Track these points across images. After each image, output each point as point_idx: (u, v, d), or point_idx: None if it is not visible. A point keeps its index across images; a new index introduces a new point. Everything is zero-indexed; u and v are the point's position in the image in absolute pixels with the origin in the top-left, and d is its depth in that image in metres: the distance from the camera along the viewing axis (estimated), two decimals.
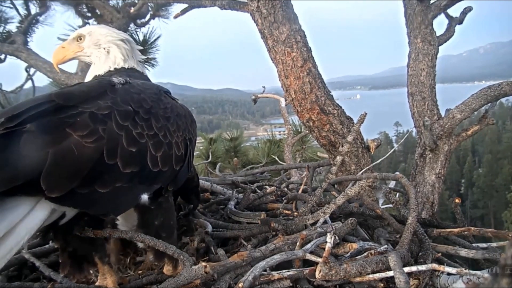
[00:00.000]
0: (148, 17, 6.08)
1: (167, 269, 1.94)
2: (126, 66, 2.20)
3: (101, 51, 2.19)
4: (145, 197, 1.60)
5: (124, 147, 1.49)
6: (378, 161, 3.90)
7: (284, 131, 7.48)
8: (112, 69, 2.17)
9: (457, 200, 2.67)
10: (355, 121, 3.48)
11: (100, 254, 1.80)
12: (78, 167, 1.36)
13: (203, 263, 1.65)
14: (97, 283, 1.92)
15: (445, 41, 3.55)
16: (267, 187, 3.39)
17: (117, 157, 1.46)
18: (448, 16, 3.57)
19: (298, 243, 1.99)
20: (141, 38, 6.15)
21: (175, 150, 1.73)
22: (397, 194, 3.37)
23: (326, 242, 1.91)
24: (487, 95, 3.00)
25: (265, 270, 1.78)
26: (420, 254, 2.11)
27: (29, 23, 5.80)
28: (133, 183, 1.54)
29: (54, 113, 1.42)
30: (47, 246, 2.34)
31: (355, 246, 2.04)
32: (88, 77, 2.21)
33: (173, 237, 1.89)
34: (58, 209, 1.42)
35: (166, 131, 1.70)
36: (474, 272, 1.73)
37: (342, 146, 2.57)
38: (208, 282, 1.71)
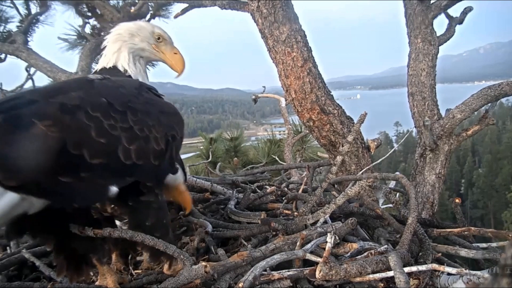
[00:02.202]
0: (148, 17, 6.07)
1: (166, 268, 1.94)
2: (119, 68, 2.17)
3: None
4: (114, 189, 1.56)
5: (92, 138, 1.48)
6: (378, 161, 3.90)
7: (284, 131, 7.48)
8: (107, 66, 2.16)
9: (457, 200, 2.67)
10: (355, 121, 3.48)
11: (98, 255, 1.80)
12: (40, 156, 1.35)
13: (203, 263, 1.65)
14: (97, 283, 1.92)
15: (445, 41, 3.54)
16: (267, 187, 3.39)
17: (84, 147, 1.45)
18: (448, 16, 3.57)
19: (298, 243, 1.99)
20: None
21: (154, 144, 1.69)
22: (397, 194, 3.37)
23: (326, 242, 1.91)
24: (487, 95, 3.00)
25: (265, 270, 1.78)
26: (420, 254, 2.12)
27: (29, 23, 5.79)
28: (101, 174, 1.52)
29: (25, 106, 1.44)
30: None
31: (355, 246, 2.04)
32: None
33: (168, 237, 1.86)
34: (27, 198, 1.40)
35: (143, 125, 1.67)
36: (474, 272, 1.74)
37: (342, 146, 2.57)
38: (208, 282, 1.71)
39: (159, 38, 2.19)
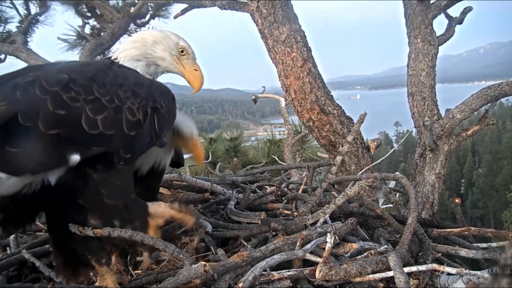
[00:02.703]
0: (148, 17, 6.07)
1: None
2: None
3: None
4: (75, 157, 1.57)
5: (48, 111, 1.52)
6: (378, 161, 3.90)
7: (284, 131, 7.48)
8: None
9: (457, 200, 2.67)
10: (355, 121, 3.48)
11: (97, 256, 1.80)
12: None
13: (203, 262, 1.65)
14: (96, 284, 1.92)
15: (445, 41, 3.54)
16: (267, 187, 3.39)
17: (38, 119, 1.49)
18: (448, 16, 3.57)
19: (298, 243, 1.99)
20: None
21: (127, 115, 1.70)
22: (397, 194, 3.37)
23: (326, 242, 1.91)
24: (487, 95, 3.00)
25: (265, 270, 1.78)
26: (420, 254, 2.12)
27: (29, 23, 5.79)
28: (60, 142, 1.54)
29: None
30: (47, 246, 2.34)
31: (355, 246, 2.04)
32: None
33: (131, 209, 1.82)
34: None
35: (114, 96, 1.69)
36: (474, 272, 1.74)
37: (342, 146, 2.56)
38: (208, 282, 1.71)
39: (182, 51, 2.14)
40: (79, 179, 1.67)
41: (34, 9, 5.96)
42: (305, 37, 3.25)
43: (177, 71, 2.18)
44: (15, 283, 2.04)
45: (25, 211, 1.74)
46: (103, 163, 1.68)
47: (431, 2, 3.43)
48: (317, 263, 1.77)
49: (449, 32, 3.58)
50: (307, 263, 1.93)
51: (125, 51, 2.07)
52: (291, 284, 1.82)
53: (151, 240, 1.67)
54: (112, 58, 2.07)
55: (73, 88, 1.62)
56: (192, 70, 2.17)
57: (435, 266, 1.85)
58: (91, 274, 2.02)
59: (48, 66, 1.77)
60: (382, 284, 1.80)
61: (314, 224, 2.26)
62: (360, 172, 3.34)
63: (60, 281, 1.93)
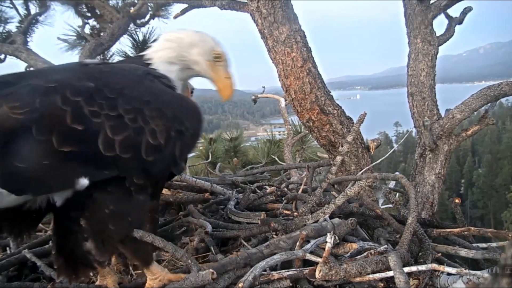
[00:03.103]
0: (148, 17, 6.07)
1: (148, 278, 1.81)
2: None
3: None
4: (84, 181, 1.43)
5: (65, 124, 1.37)
6: (378, 161, 3.90)
7: (284, 131, 7.48)
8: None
9: (457, 200, 2.67)
10: (355, 121, 3.48)
11: (97, 260, 1.78)
12: None
13: (210, 270, 1.64)
14: (97, 283, 1.92)
15: (445, 41, 3.54)
16: (267, 187, 3.39)
17: (53, 133, 1.35)
18: (448, 16, 3.57)
19: (298, 243, 1.99)
20: (141, 38, 6.16)
21: (148, 137, 1.54)
22: (397, 194, 3.37)
23: (326, 242, 1.91)
24: (487, 95, 3.00)
25: (265, 270, 1.78)
26: (420, 254, 2.12)
27: (29, 23, 5.79)
28: (69, 163, 1.40)
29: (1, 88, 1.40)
30: (47, 246, 2.34)
31: (355, 246, 2.04)
32: None
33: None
34: None
35: (138, 115, 1.53)
36: (474, 272, 1.74)
37: (342, 146, 2.57)
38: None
39: (217, 57, 2.00)
40: (86, 202, 1.54)
41: (34, 9, 5.96)
42: (305, 37, 3.25)
43: (209, 76, 2.05)
44: (15, 282, 2.04)
45: (28, 219, 1.65)
46: (114, 187, 1.55)
47: (431, 2, 3.43)
48: (317, 263, 1.77)
49: (449, 32, 3.58)
50: (307, 263, 1.93)
51: (159, 51, 1.93)
52: (290, 284, 1.82)
53: (161, 242, 1.65)
54: (145, 57, 1.92)
55: (97, 100, 1.46)
56: (224, 78, 2.04)
57: (435, 266, 1.85)
58: (91, 274, 2.02)
59: (75, 68, 1.60)
60: (382, 284, 1.80)
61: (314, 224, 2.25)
62: (360, 172, 3.34)
63: (60, 280, 1.93)
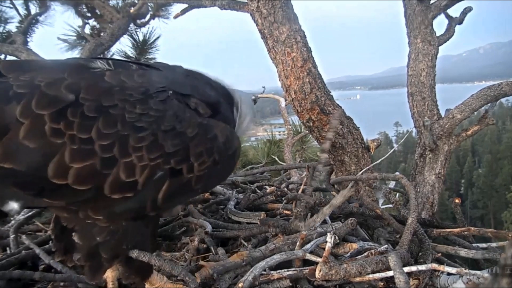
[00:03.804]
0: (148, 17, 6.08)
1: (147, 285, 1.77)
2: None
3: None
4: (14, 205, 1.25)
5: (15, 138, 1.17)
6: (378, 161, 3.90)
7: (284, 131, 7.48)
8: None
9: (457, 200, 2.67)
10: (355, 121, 3.49)
11: None
12: None
13: (203, 262, 1.64)
14: None
15: (445, 41, 3.55)
16: (267, 187, 3.38)
17: None
18: (448, 16, 3.57)
19: (298, 243, 1.99)
20: (141, 38, 6.17)
21: (119, 171, 1.25)
22: (397, 194, 3.37)
23: (326, 242, 1.91)
24: (487, 95, 3.00)
25: (264, 270, 1.78)
26: (420, 254, 2.12)
27: (29, 23, 5.79)
28: (5, 182, 1.22)
29: None
30: (47, 246, 2.33)
31: (355, 246, 2.04)
32: None
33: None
34: None
35: (116, 142, 1.25)
36: (474, 272, 1.73)
37: (324, 144, 2.61)
38: (208, 282, 1.71)
39: None
40: (77, 217, 1.38)
41: (34, 9, 5.97)
42: (305, 37, 3.25)
43: None
44: (16, 271, 2.04)
45: None
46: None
47: (431, 2, 3.44)
48: (317, 263, 1.77)
49: (449, 32, 3.58)
50: (307, 263, 1.93)
51: None
52: (290, 284, 1.82)
53: (158, 261, 1.60)
54: None
55: (68, 117, 1.22)
56: None
57: (435, 266, 1.85)
58: None
59: (69, 70, 1.33)
60: (382, 284, 1.80)
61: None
62: (360, 172, 3.34)
63: (60, 269, 1.92)
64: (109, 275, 1.83)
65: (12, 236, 2.46)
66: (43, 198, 1.26)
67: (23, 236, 2.39)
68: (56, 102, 1.22)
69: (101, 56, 5.80)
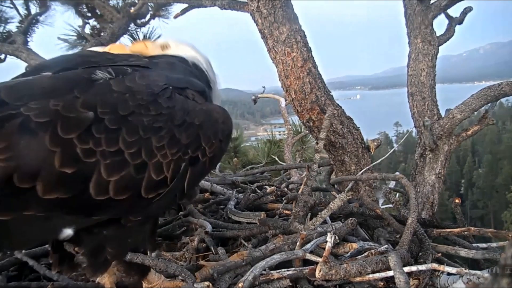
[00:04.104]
0: (148, 17, 6.07)
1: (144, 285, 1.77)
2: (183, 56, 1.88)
3: None
4: (68, 231, 1.28)
5: (53, 168, 1.16)
6: (378, 161, 3.90)
7: (284, 131, 7.48)
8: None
9: (457, 200, 2.67)
10: (355, 121, 3.49)
11: None
12: None
13: (206, 283, 1.63)
14: (96, 281, 1.92)
15: (445, 41, 3.54)
16: (267, 187, 3.39)
17: (37, 180, 1.14)
18: (448, 16, 3.57)
19: (298, 243, 1.99)
20: (141, 38, 6.16)
21: (151, 173, 1.32)
22: (397, 194, 3.37)
23: (326, 241, 1.91)
24: (487, 95, 3.00)
25: (264, 270, 1.78)
26: (420, 254, 2.12)
27: (29, 23, 5.79)
28: (54, 212, 1.22)
29: None
30: (47, 246, 2.33)
31: (355, 246, 2.04)
32: None
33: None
34: None
35: (142, 147, 1.30)
36: (474, 272, 1.74)
37: (318, 143, 2.62)
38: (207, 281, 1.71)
39: None
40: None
41: (34, 9, 5.97)
42: (305, 37, 3.24)
43: None
44: (12, 282, 2.03)
45: None
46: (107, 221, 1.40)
47: (431, 2, 3.43)
48: (317, 263, 1.77)
49: (449, 32, 3.58)
50: (307, 263, 1.93)
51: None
52: (290, 284, 1.82)
53: (152, 261, 1.61)
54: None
55: (94, 134, 1.23)
56: None
57: (435, 266, 1.85)
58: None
59: (78, 85, 1.31)
60: (382, 284, 1.81)
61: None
62: (360, 172, 3.34)
63: (56, 278, 1.92)
64: (107, 280, 1.83)
65: None
66: (92, 217, 1.31)
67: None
68: (79, 123, 1.23)
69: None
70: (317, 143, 2.67)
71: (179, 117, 1.43)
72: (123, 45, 2.01)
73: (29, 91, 1.27)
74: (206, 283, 1.61)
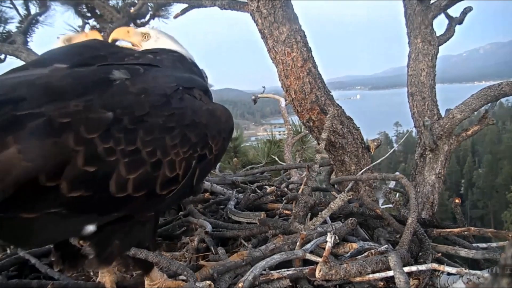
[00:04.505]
0: (148, 17, 6.07)
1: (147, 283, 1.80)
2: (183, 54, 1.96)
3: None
4: (90, 228, 1.33)
5: (76, 167, 1.20)
6: (378, 161, 3.90)
7: (284, 131, 7.48)
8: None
9: (457, 200, 2.68)
10: (355, 121, 3.49)
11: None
12: (2, 188, 1.10)
13: (208, 282, 1.64)
14: (97, 280, 1.92)
15: (445, 41, 3.54)
16: (267, 187, 3.39)
17: (61, 178, 1.18)
18: (448, 16, 3.57)
19: (298, 243, 1.99)
20: None
21: (165, 170, 1.39)
22: (397, 194, 3.37)
23: (326, 241, 1.91)
24: (487, 95, 3.00)
25: (264, 270, 1.78)
26: (420, 254, 2.12)
27: (29, 23, 5.79)
28: (77, 209, 1.26)
29: (10, 108, 1.18)
30: (47, 246, 2.34)
31: (355, 246, 2.04)
32: None
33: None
34: None
35: (157, 146, 1.37)
36: (474, 272, 1.74)
37: (319, 144, 2.61)
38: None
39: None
40: None
41: (34, 9, 5.96)
42: (305, 37, 3.24)
43: None
44: (14, 280, 2.04)
45: None
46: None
47: (431, 2, 3.43)
48: (317, 263, 1.77)
49: (449, 32, 3.58)
50: (307, 263, 1.93)
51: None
52: (290, 284, 1.82)
53: (155, 257, 1.62)
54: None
55: (114, 134, 1.28)
56: None
57: (435, 266, 1.85)
58: (91, 273, 2.02)
59: (97, 86, 1.36)
60: (382, 284, 1.81)
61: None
62: (360, 172, 3.34)
63: (57, 277, 1.92)
64: (107, 279, 1.83)
65: None
66: (112, 214, 1.37)
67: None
68: (100, 124, 1.28)
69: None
70: (318, 144, 2.67)
71: (188, 117, 1.50)
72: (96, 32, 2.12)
73: (49, 90, 1.30)
74: (208, 282, 1.62)
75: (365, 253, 1.99)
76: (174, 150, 1.40)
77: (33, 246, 1.39)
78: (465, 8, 3.55)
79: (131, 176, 1.30)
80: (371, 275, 1.79)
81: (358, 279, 1.78)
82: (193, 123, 1.50)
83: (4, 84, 1.32)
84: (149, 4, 5.91)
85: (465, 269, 1.81)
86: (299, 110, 3.37)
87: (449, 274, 1.83)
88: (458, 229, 2.35)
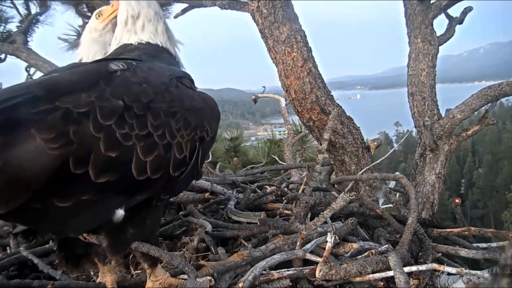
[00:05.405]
0: None
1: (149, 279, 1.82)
2: (153, 42, 1.98)
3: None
4: (120, 212, 1.39)
5: (100, 153, 1.27)
6: (378, 161, 3.89)
7: (284, 131, 7.48)
8: (134, 42, 1.95)
9: (457, 200, 2.68)
10: (355, 121, 3.49)
11: (98, 257, 1.78)
12: (33, 178, 1.15)
13: (208, 277, 1.64)
14: (98, 280, 1.93)
15: (445, 41, 3.54)
16: (267, 187, 3.39)
17: (89, 165, 1.25)
18: (448, 16, 3.57)
19: (298, 243, 1.99)
20: None
21: (175, 152, 1.47)
22: (397, 194, 3.37)
23: (326, 241, 1.91)
24: (487, 95, 3.00)
25: (265, 270, 1.78)
26: (420, 254, 2.12)
27: (29, 23, 5.79)
28: (106, 195, 1.33)
29: (26, 108, 1.22)
30: (47, 246, 2.34)
31: (355, 246, 2.04)
32: (112, 47, 2.05)
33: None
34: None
35: (166, 129, 1.45)
36: (474, 272, 1.74)
37: (321, 144, 2.61)
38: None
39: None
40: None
41: (34, 9, 5.97)
42: (306, 37, 3.24)
43: None
44: (14, 280, 2.04)
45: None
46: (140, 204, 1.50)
47: (431, 2, 3.44)
48: (317, 263, 1.77)
49: (449, 32, 3.58)
50: (307, 263, 1.93)
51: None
52: (290, 284, 1.82)
53: (157, 252, 1.63)
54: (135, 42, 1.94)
55: (128, 120, 1.36)
56: None
57: (435, 266, 1.85)
58: (92, 273, 2.02)
59: (100, 78, 1.42)
60: (382, 284, 1.81)
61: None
62: (360, 172, 3.34)
63: (59, 277, 1.93)
64: (108, 279, 1.83)
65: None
66: (137, 197, 1.44)
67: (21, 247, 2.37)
68: (114, 111, 1.35)
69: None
70: (320, 144, 2.67)
71: (186, 103, 1.59)
72: None
73: (59, 86, 1.34)
74: (208, 277, 1.63)
75: (365, 253, 1.99)
76: (179, 133, 1.49)
77: (71, 234, 1.43)
78: (465, 8, 3.55)
79: (148, 159, 1.38)
80: (371, 275, 1.79)
81: (358, 279, 1.78)
82: (191, 108, 1.60)
83: (15, 89, 1.35)
84: None
85: (465, 269, 1.81)
86: (299, 110, 3.37)
87: (449, 274, 1.83)
88: (458, 229, 2.35)
